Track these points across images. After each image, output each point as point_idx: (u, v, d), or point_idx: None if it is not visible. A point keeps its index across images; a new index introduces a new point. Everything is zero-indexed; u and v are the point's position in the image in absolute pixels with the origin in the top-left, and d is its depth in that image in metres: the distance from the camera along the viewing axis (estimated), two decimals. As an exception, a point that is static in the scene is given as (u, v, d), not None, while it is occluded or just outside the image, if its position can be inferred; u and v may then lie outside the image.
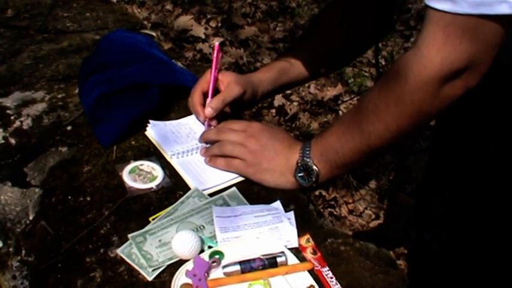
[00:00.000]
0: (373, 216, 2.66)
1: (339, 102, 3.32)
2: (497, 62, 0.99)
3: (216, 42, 1.40)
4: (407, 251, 2.43)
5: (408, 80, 1.00)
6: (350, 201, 2.69)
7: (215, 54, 1.33)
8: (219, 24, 3.80)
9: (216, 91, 1.33)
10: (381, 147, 1.11)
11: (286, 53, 1.49)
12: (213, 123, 1.31)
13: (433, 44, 0.96)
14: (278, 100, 3.11)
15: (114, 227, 1.09)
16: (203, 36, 3.59)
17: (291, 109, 3.14)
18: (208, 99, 1.30)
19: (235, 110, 1.39)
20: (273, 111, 3.13)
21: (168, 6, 3.91)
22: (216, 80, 1.33)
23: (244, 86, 1.32)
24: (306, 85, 3.36)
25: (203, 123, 1.32)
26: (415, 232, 1.80)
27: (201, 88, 1.33)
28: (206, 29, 3.71)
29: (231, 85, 1.31)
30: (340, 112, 3.24)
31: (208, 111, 1.28)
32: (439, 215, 1.55)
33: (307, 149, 1.16)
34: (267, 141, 1.20)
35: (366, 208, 2.68)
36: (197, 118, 1.34)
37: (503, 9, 0.89)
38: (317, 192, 2.61)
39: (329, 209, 2.61)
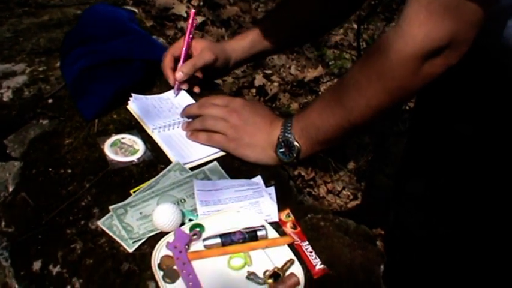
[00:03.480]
0: (351, 197, 2.68)
1: (319, 83, 3.33)
2: (476, 44, 1.01)
3: (193, 9, 1.41)
4: (384, 232, 2.45)
5: (390, 56, 1.01)
6: (328, 181, 2.70)
7: (190, 20, 1.36)
8: (201, 3, 3.77)
9: (190, 57, 1.36)
10: (361, 123, 1.11)
11: (261, 22, 1.51)
12: (184, 86, 1.35)
13: (415, 22, 0.97)
14: (259, 80, 3.11)
15: (95, 199, 1.09)
16: (185, 15, 3.56)
17: (271, 89, 3.14)
18: (180, 64, 1.34)
19: (209, 77, 1.42)
20: (254, 91, 3.13)
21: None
22: (190, 46, 1.36)
23: (216, 52, 1.36)
24: (287, 66, 3.37)
25: (173, 86, 1.35)
26: (393, 213, 1.81)
27: (172, 52, 1.37)
28: (188, 7, 3.69)
29: (203, 51, 1.36)
30: (320, 93, 3.25)
31: (179, 74, 1.33)
32: (416, 196, 1.56)
33: (289, 124, 1.17)
34: (248, 117, 1.21)
35: (344, 188, 2.70)
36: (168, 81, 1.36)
37: None
38: (296, 172, 2.62)
39: (307, 189, 2.63)
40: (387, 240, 2.30)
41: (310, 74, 3.35)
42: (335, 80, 3.29)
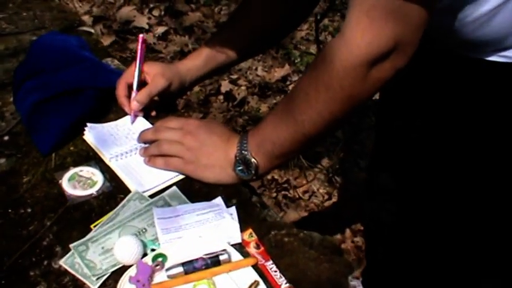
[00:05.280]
0: (327, 196, 2.68)
1: (288, 82, 3.33)
2: (426, 37, 1.00)
3: (141, 34, 1.40)
4: (363, 227, 2.47)
5: (335, 66, 1.00)
6: (303, 182, 2.70)
7: (139, 46, 1.35)
8: (162, 13, 3.76)
9: (144, 83, 1.35)
10: (316, 134, 1.11)
11: (215, 36, 1.49)
12: (140, 113, 1.34)
13: (357, 29, 0.96)
14: (225, 86, 3.11)
15: (56, 238, 1.07)
16: (146, 27, 3.56)
17: (239, 94, 3.14)
18: (134, 92, 1.33)
19: (165, 99, 1.40)
20: (221, 97, 3.13)
21: (110, -2, 3.86)
22: (142, 72, 1.35)
23: (170, 77, 1.35)
24: (253, 68, 3.36)
25: (130, 114, 1.34)
26: (369, 207, 1.82)
27: (125, 80, 1.35)
28: (149, 18, 3.68)
29: (156, 77, 1.34)
30: (289, 92, 3.25)
31: (134, 104, 1.32)
32: (387, 188, 1.58)
33: (244, 141, 1.16)
34: (204, 137, 1.20)
35: (319, 187, 2.71)
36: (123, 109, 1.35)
37: None
38: (269, 177, 2.62)
39: (283, 192, 2.63)
40: (366, 234, 2.32)
41: (278, 73, 3.35)
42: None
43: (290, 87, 3.27)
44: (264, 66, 3.41)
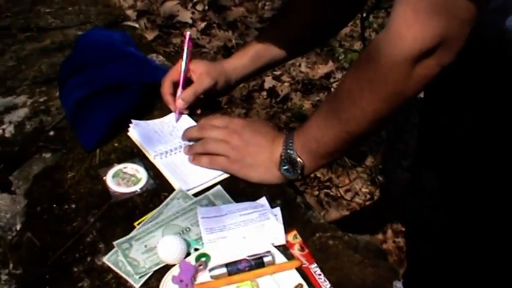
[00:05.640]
0: (369, 195, 2.65)
1: (331, 79, 3.30)
2: (479, 37, 0.97)
3: (187, 31, 1.39)
4: (405, 228, 2.43)
5: (380, 61, 0.98)
6: (346, 181, 2.68)
7: (186, 44, 1.34)
8: (206, 7, 3.76)
9: (189, 80, 1.34)
10: (360, 133, 1.08)
11: (261, 35, 1.47)
12: (185, 111, 1.34)
13: (403, 23, 0.93)
14: (268, 82, 3.09)
15: (100, 234, 1.08)
16: (190, 21, 3.55)
17: (282, 90, 3.12)
18: (179, 91, 1.33)
19: (211, 97, 1.39)
20: (264, 93, 3.11)
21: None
22: (188, 69, 1.34)
23: (216, 76, 1.34)
24: (297, 64, 3.34)
25: (175, 112, 1.34)
26: (412, 206, 1.79)
27: (171, 78, 1.35)
28: (193, 13, 3.68)
29: (202, 76, 1.34)
30: (333, 89, 3.22)
31: (179, 103, 1.32)
32: (432, 188, 1.55)
33: (290, 141, 1.15)
34: (249, 136, 1.19)
35: (362, 187, 2.68)
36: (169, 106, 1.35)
37: None
38: (312, 175, 2.60)
39: (325, 190, 2.61)
40: (408, 236, 2.28)
41: (321, 70, 3.32)
42: (347, 75, 3.26)
43: (334, 84, 3.24)
44: (307, 63, 3.38)
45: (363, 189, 2.66)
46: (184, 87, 1.33)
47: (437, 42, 0.93)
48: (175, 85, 1.34)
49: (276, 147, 1.16)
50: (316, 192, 2.59)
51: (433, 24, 0.92)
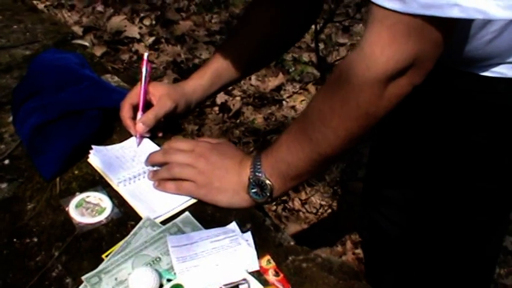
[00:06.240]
0: (327, 207, 2.65)
1: (282, 92, 3.30)
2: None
3: (145, 53, 1.36)
4: (361, 238, 2.44)
5: (351, 82, 0.97)
6: (303, 193, 2.67)
7: (144, 66, 1.31)
8: (153, 22, 3.73)
9: (149, 103, 1.31)
10: (332, 154, 1.07)
11: (218, 53, 1.44)
12: (146, 134, 1.31)
13: (377, 44, 0.93)
14: (220, 97, 3.08)
15: (66, 269, 1.03)
16: (138, 36, 3.52)
17: (234, 104, 3.10)
18: (139, 114, 1.30)
19: (170, 119, 1.36)
20: (216, 108, 3.09)
21: (99, 8, 3.80)
22: (147, 92, 1.31)
23: (176, 99, 1.32)
24: (247, 78, 3.33)
25: (135, 136, 1.30)
26: (367, 216, 1.79)
27: (130, 101, 1.32)
28: (140, 28, 3.64)
29: (162, 99, 1.31)
30: (284, 102, 3.22)
31: (140, 127, 1.28)
32: (386, 196, 1.55)
33: (258, 163, 1.13)
34: (216, 160, 1.16)
35: (319, 199, 2.68)
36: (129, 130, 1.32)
37: (454, 13, 0.85)
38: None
39: (282, 205, 2.60)
40: (365, 245, 2.29)
41: (272, 83, 3.33)
42: (297, 87, 3.26)
43: (285, 96, 3.24)
44: (257, 76, 3.38)
45: (319, 201, 2.67)
46: (144, 110, 1.30)
47: (410, 62, 0.93)
48: (134, 108, 1.31)
49: (243, 170, 1.14)
50: (274, 207, 2.58)
51: (409, 46, 0.92)
